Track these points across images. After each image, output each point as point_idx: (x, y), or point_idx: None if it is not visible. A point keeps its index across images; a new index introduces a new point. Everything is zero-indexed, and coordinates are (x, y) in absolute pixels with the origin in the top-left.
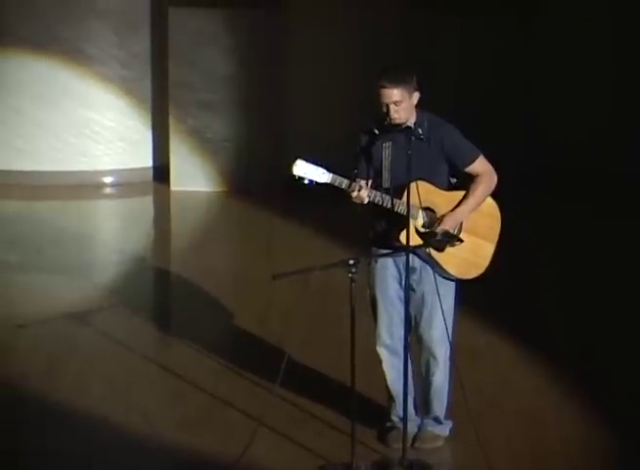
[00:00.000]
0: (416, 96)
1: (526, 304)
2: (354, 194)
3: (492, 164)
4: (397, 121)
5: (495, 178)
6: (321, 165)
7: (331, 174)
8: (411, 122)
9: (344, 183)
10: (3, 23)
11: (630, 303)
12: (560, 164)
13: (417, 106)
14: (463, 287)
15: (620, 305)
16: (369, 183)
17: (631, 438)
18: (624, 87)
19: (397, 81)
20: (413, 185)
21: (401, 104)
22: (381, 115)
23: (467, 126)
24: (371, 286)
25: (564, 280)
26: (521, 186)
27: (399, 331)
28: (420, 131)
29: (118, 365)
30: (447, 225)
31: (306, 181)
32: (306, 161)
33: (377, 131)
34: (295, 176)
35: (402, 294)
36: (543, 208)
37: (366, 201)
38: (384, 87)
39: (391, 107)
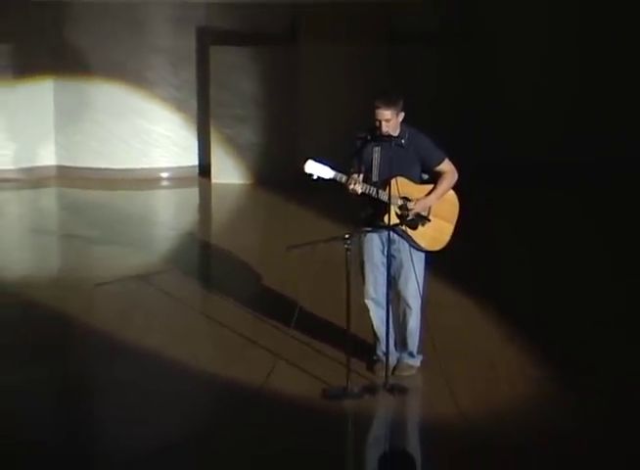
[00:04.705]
0: (401, 115)
1: (485, 268)
2: (351, 187)
3: (455, 165)
4: (386, 133)
5: (456, 175)
6: (326, 165)
7: (333, 172)
8: (395, 133)
9: (344, 178)
10: (91, 59)
11: (561, 260)
12: (518, 157)
13: (402, 122)
14: (432, 256)
15: (554, 264)
16: (361, 176)
17: (557, 365)
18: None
19: (389, 104)
20: (394, 180)
21: (390, 121)
22: (374, 126)
23: (441, 131)
24: (360, 254)
25: (519, 255)
26: (486, 178)
27: (382, 288)
28: (402, 141)
29: (173, 315)
30: (419, 208)
31: (315, 177)
32: (315, 161)
33: (369, 137)
34: (306, 173)
35: (385, 260)
36: (498, 195)
37: (360, 192)
38: (379, 108)
39: (383, 123)
